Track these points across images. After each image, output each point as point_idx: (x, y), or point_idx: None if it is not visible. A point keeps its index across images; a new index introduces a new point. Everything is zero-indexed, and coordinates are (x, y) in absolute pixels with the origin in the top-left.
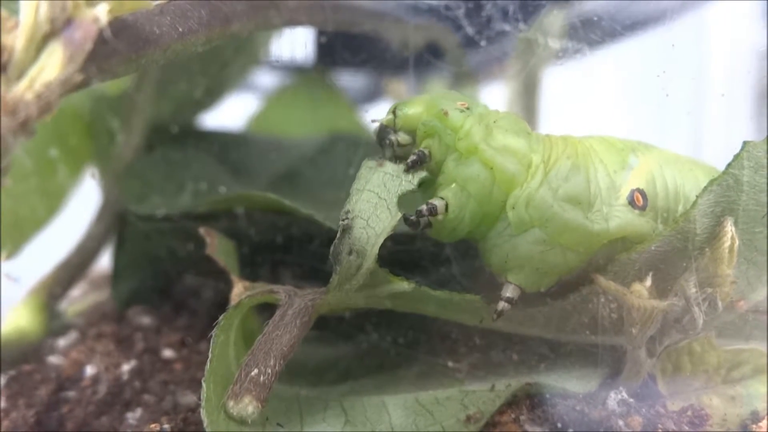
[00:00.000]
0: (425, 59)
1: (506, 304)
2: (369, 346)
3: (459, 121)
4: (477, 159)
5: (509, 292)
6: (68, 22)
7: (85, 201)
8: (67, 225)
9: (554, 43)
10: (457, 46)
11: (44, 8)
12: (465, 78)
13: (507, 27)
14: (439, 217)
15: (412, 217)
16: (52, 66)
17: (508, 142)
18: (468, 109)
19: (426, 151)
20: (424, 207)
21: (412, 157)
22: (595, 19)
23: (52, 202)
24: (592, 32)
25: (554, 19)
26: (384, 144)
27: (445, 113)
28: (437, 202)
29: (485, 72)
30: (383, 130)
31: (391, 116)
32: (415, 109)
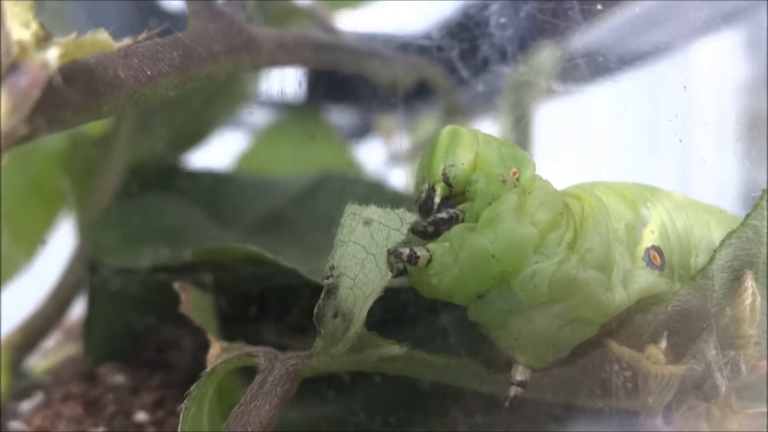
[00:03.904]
0: (415, 95)
1: (519, 389)
2: (356, 428)
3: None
4: (488, 231)
5: (520, 374)
6: (13, 67)
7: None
8: (43, 272)
9: (546, 79)
10: (448, 82)
11: None
12: (457, 114)
13: (501, 63)
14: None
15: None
16: None
17: (536, 218)
18: (517, 180)
19: (461, 215)
20: (405, 251)
21: (441, 215)
22: (588, 55)
23: (25, 249)
24: (584, 67)
25: (547, 55)
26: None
27: (504, 181)
28: (421, 253)
29: (477, 108)
30: (441, 203)
31: (444, 185)
32: (468, 164)
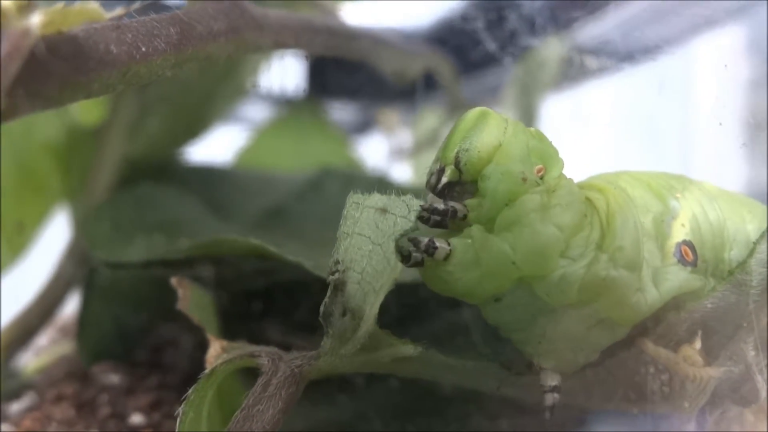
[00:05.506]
0: (419, 88)
1: (555, 395)
2: None
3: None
4: (508, 235)
5: (551, 379)
6: None
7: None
8: (36, 267)
9: (550, 72)
10: (454, 74)
11: None
12: (461, 107)
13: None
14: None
15: (407, 247)
16: None
17: (561, 221)
18: (542, 179)
19: (462, 212)
20: (424, 240)
21: (441, 207)
22: (592, 48)
23: (16, 243)
24: (588, 61)
25: (552, 47)
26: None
27: (525, 179)
28: (440, 245)
29: (482, 101)
30: (447, 187)
31: (454, 169)
32: (485, 152)
